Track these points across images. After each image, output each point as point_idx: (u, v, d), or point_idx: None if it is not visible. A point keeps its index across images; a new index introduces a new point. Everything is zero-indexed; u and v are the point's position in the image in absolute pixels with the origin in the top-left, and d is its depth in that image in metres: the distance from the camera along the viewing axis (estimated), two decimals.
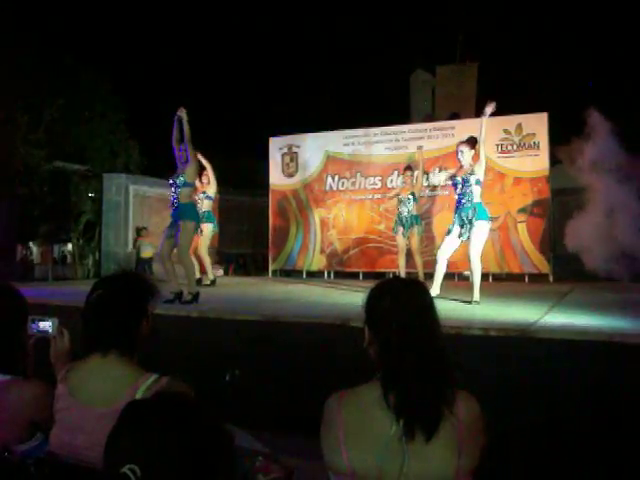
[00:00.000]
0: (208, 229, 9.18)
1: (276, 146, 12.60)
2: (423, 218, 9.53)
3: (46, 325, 2.12)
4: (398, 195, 8.72)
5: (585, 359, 3.61)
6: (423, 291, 1.72)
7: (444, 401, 1.53)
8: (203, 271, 9.34)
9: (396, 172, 11.28)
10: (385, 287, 1.73)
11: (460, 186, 6.30)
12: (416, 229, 8.52)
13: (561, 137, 9.45)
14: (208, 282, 9.08)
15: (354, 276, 11.57)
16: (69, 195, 15.75)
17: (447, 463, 1.49)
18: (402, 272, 8.46)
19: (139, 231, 12.00)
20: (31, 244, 20.37)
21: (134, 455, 0.96)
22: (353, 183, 11.78)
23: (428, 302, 1.68)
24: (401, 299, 1.65)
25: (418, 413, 1.50)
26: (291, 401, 3.96)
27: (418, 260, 8.56)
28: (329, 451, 1.56)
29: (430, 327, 1.63)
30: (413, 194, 8.53)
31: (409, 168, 8.92)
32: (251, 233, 14.43)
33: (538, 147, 10.21)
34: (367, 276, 11.27)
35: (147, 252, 11.82)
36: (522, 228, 10.23)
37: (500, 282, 10.27)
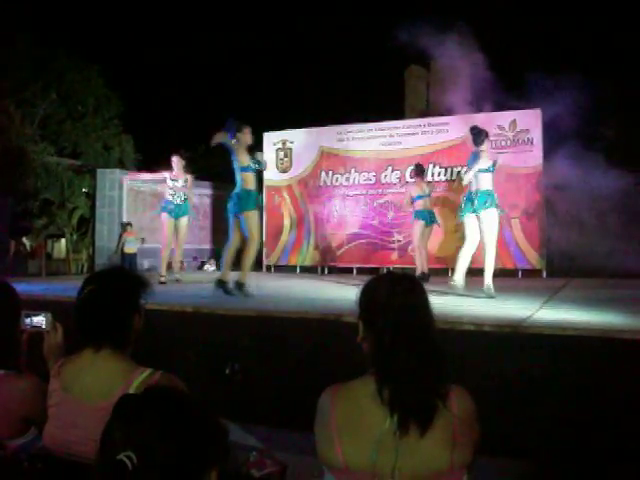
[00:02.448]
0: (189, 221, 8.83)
1: (270, 141, 12.57)
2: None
3: (40, 320, 2.12)
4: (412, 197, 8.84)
5: (579, 354, 3.62)
6: (417, 286, 1.72)
7: (438, 396, 1.53)
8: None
9: (390, 168, 11.30)
10: (380, 282, 1.73)
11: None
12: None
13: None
14: (178, 277, 8.56)
15: (348, 271, 11.58)
16: (63, 190, 15.69)
17: (441, 457, 1.50)
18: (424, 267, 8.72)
19: (124, 227, 12.00)
20: (24, 239, 20.27)
21: (127, 448, 0.97)
22: (347, 179, 11.78)
23: (422, 297, 1.68)
24: (396, 294, 1.64)
25: (412, 408, 1.50)
26: (286, 396, 3.97)
27: (424, 254, 8.67)
28: (323, 446, 1.56)
29: (424, 322, 1.63)
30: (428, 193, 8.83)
31: (422, 171, 9.09)
32: None
33: (532, 143, 10.24)
34: (361, 271, 11.29)
35: (131, 248, 11.85)
36: (515, 224, 10.26)
37: (493, 277, 10.27)
